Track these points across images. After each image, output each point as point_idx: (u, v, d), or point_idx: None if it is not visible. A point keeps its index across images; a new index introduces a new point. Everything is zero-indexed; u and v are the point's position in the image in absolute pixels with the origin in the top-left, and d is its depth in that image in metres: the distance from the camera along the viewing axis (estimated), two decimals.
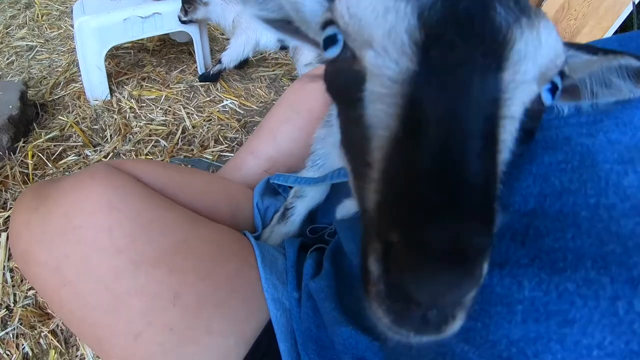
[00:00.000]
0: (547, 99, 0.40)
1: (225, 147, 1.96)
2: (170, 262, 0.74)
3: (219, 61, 2.33)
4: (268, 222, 1.15)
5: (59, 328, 1.30)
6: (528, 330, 0.38)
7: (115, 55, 2.48)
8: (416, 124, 0.32)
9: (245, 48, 2.29)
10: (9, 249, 1.46)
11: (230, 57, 2.31)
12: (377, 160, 0.34)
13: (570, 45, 0.46)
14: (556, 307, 0.37)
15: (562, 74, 0.41)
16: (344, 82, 0.39)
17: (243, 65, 2.60)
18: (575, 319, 0.36)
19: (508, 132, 0.36)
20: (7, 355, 1.25)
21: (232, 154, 1.67)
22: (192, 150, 1.92)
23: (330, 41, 0.40)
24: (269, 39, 2.31)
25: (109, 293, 0.71)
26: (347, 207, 1.03)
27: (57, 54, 2.50)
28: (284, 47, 2.36)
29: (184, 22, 2.17)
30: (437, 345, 0.44)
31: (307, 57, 2.19)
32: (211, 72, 2.36)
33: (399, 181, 0.31)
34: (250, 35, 2.26)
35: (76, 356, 1.26)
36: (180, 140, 1.96)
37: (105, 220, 0.73)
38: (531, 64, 0.36)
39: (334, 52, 0.40)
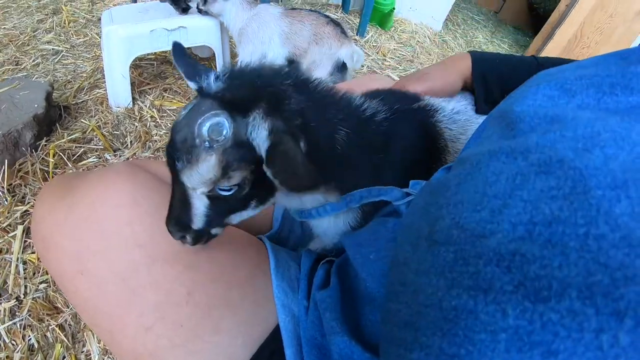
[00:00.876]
0: (223, 193, 0.68)
1: None
2: (186, 260, 0.77)
3: None
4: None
5: (67, 323, 1.32)
6: None
7: (138, 66, 2.54)
8: (171, 191, 0.71)
9: (252, 59, 2.28)
10: (24, 241, 1.49)
11: None
12: None
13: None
14: (540, 337, 0.35)
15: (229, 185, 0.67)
16: None
17: None
18: (559, 350, 0.34)
19: (197, 201, 0.69)
20: (13, 345, 1.27)
21: None
22: None
23: None
24: (276, 54, 2.31)
25: (124, 284, 0.73)
26: (318, 242, 1.06)
27: (82, 59, 2.55)
28: (289, 64, 2.36)
29: (200, 11, 2.21)
30: None
31: (318, 75, 2.21)
32: None
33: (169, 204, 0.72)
34: (257, 46, 2.27)
35: (82, 352, 1.27)
36: None
37: (127, 214, 0.76)
38: (189, 183, 0.66)
39: None
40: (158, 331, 0.72)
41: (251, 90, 0.68)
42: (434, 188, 0.59)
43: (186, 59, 0.78)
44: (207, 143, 0.63)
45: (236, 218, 0.75)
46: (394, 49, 3.60)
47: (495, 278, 0.40)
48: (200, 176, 0.64)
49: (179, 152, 0.64)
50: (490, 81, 1.12)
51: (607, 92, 0.50)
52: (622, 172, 0.38)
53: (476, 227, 0.44)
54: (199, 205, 0.69)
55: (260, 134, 0.64)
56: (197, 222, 0.70)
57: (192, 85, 0.74)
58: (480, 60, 1.14)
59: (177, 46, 0.80)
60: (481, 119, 1.04)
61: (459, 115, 1.03)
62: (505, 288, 0.39)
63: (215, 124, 0.63)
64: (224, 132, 0.64)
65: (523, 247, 0.39)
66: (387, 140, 0.87)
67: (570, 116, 0.47)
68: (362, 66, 3.19)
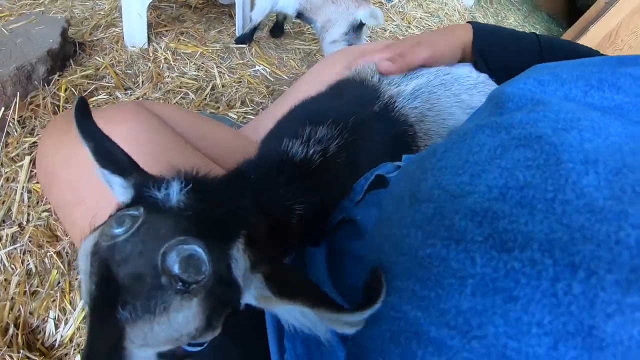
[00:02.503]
0: (189, 348, 0.48)
1: (251, 109, 1.99)
2: None
3: (250, 20, 2.35)
4: None
5: (65, 251, 1.36)
6: (476, 303, 0.40)
7: (157, 7, 2.52)
8: (87, 338, 0.44)
9: (265, 1, 2.26)
10: (31, 171, 1.52)
11: (256, 13, 2.30)
12: None
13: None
14: (503, 284, 0.39)
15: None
16: None
17: (280, 34, 2.62)
18: (519, 296, 0.38)
19: None
20: (12, 269, 1.31)
21: None
22: (219, 107, 1.96)
23: None
24: (287, 2, 2.26)
25: None
26: None
27: None
28: (299, 17, 2.32)
29: None
30: (395, 311, 0.47)
31: (333, 35, 2.18)
32: (245, 32, 2.40)
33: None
34: None
35: (76, 279, 1.31)
36: (208, 96, 2.00)
37: (127, 150, 0.78)
38: (140, 342, 0.43)
39: None
40: None
41: (228, 211, 0.53)
42: (422, 155, 0.63)
43: (95, 132, 0.60)
44: (180, 284, 0.44)
45: None
46: (420, 18, 3.52)
47: (468, 230, 0.44)
48: (172, 331, 0.44)
49: (128, 294, 0.44)
50: (491, 53, 1.09)
51: (595, 86, 0.54)
52: (595, 152, 0.42)
53: (456, 189, 0.49)
54: None
55: (240, 267, 0.50)
56: None
57: (119, 183, 0.56)
58: (481, 31, 1.11)
59: (81, 103, 0.60)
60: (449, 92, 1.01)
61: (420, 92, 0.98)
62: (476, 239, 0.43)
63: (188, 256, 0.45)
64: (203, 268, 0.45)
65: (495, 205, 0.44)
66: (351, 168, 0.80)
67: (555, 102, 0.52)
68: (385, 30, 3.14)
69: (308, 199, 0.71)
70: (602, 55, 0.93)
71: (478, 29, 1.11)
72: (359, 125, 0.84)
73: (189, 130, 1.00)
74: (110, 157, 0.57)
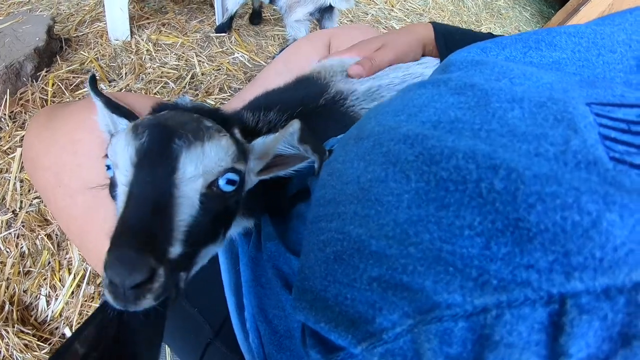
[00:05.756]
0: (225, 187, 0.61)
1: (228, 95, 2.09)
2: None
3: (226, 9, 2.42)
4: None
5: (54, 233, 1.49)
6: (411, 214, 0.43)
7: (141, 0, 2.61)
8: (129, 202, 0.54)
9: None
10: (22, 162, 1.65)
11: (231, 2, 2.37)
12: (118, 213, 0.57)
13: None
14: (434, 194, 0.43)
15: (235, 170, 0.62)
16: (112, 184, 0.63)
17: (259, 21, 2.70)
18: (450, 203, 0.41)
19: (185, 205, 0.56)
20: (7, 252, 1.44)
21: None
22: (197, 94, 2.06)
23: (107, 167, 0.63)
24: None
25: (92, 195, 0.85)
26: None
27: None
28: (272, 2, 2.36)
29: None
30: (338, 233, 0.52)
31: (297, 14, 2.22)
32: (223, 21, 2.47)
33: (119, 223, 0.54)
34: None
35: (65, 258, 1.44)
36: (188, 84, 2.10)
37: (99, 138, 0.88)
38: (193, 168, 0.57)
39: (110, 172, 0.63)
40: None
41: (224, 116, 0.72)
42: (370, 109, 0.69)
43: (101, 94, 0.76)
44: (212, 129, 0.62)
45: (209, 252, 0.64)
46: (404, 0, 3.51)
47: (402, 152, 0.48)
48: (219, 151, 0.60)
49: (181, 129, 0.59)
50: (454, 47, 1.16)
51: (533, 47, 0.58)
52: (523, 92, 0.47)
53: (393, 124, 0.53)
54: (185, 212, 0.57)
55: (239, 137, 0.69)
56: (178, 240, 0.54)
57: (125, 123, 0.73)
58: (442, 32, 1.18)
59: (92, 78, 0.77)
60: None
61: (378, 93, 1.04)
62: (409, 159, 0.47)
63: (211, 123, 0.63)
64: (222, 131, 0.63)
65: (426, 131, 0.48)
66: None
67: (492, 61, 0.56)
68: (366, 14, 3.16)
69: None
70: None
71: (438, 29, 1.19)
72: (303, 115, 0.92)
73: None
74: (116, 106, 0.74)
